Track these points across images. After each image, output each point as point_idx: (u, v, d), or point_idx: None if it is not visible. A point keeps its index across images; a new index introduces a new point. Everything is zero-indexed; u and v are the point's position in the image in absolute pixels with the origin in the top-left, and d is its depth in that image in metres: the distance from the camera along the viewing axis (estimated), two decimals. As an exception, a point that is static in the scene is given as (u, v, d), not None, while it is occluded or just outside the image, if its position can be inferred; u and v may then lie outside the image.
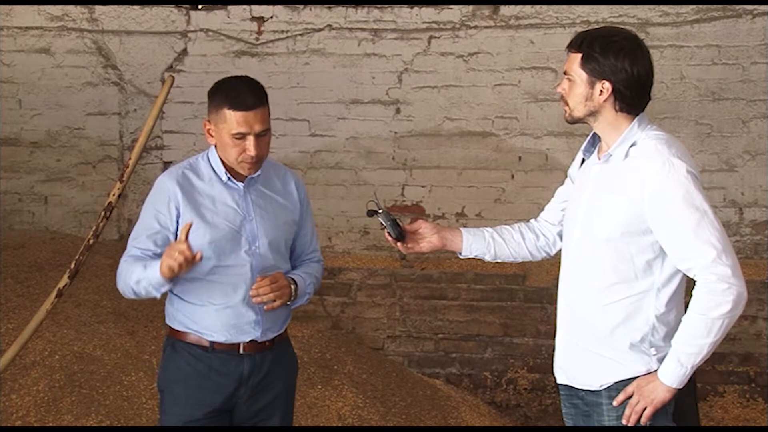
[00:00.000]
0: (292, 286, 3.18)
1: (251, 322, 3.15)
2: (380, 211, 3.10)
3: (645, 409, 2.79)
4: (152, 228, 3.13)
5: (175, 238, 3.11)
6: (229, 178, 3.17)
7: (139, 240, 3.14)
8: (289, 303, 3.20)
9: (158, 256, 3.08)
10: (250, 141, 3.07)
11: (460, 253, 3.20)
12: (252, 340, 3.17)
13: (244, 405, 3.18)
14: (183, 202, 3.12)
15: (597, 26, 3.24)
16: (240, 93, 3.09)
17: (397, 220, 3.12)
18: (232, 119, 3.06)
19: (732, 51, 5.91)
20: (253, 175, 3.19)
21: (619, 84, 2.81)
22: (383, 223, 3.10)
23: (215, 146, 3.19)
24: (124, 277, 3.12)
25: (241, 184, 3.18)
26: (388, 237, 3.12)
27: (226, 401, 3.15)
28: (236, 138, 3.07)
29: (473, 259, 3.26)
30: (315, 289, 3.31)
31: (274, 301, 3.12)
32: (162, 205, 3.13)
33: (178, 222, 3.12)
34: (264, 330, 3.18)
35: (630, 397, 2.82)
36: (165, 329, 3.27)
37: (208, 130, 3.15)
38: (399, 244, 3.13)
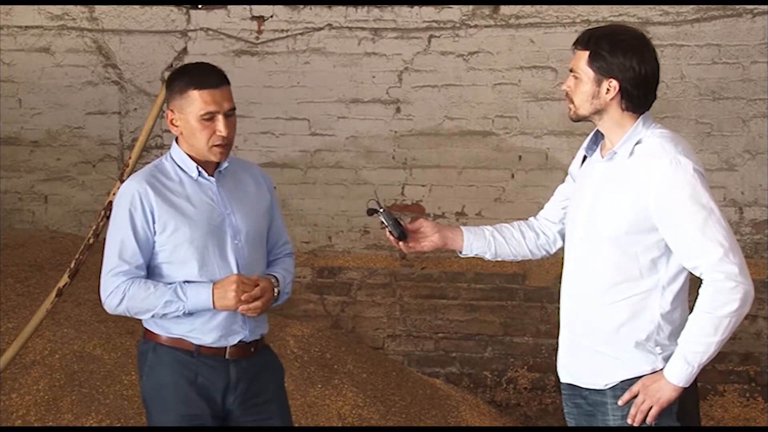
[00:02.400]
0: (276, 289, 3.14)
1: (239, 320, 3.09)
2: (381, 210, 3.08)
3: (651, 408, 2.78)
4: (132, 237, 3.02)
5: (153, 244, 3.04)
6: (199, 173, 3.09)
7: (124, 254, 3.03)
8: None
9: (143, 267, 3.04)
10: (220, 120, 3.01)
11: (461, 252, 3.19)
12: (239, 342, 3.11)
13: (239, 410, 3.12)
14: (156, 203, 3.02)
15: (597, 25, 3.23)
16: (204, 73, 3.06)
17: (399, 220, 3.11)
18: (200, 99, 3.00)
19: (732, 50, 5.90)
20: (221, 168, 3.13)
21: (627, 83, 2.80)
22: (385, 222, 3.08)
23: (176, 141, 3.12)
24: (140, 303, 3.02)
25: (212, 179, 3.11)
26: (389, 236, 3.11)
27: (217, 409, 3.09)
28: (205, 119, 3.00)
29: (473, 258, 3.25)
30: (291, 288, 3.26)
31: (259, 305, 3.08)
32: (135, 209, 3.02)
33: (154, 226, 3.03)
34: (252, 328, 3.13)
35: (635, 396, 2.81)
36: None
37: (172, 120, 3.07)
38: (401, 243, 3.11)
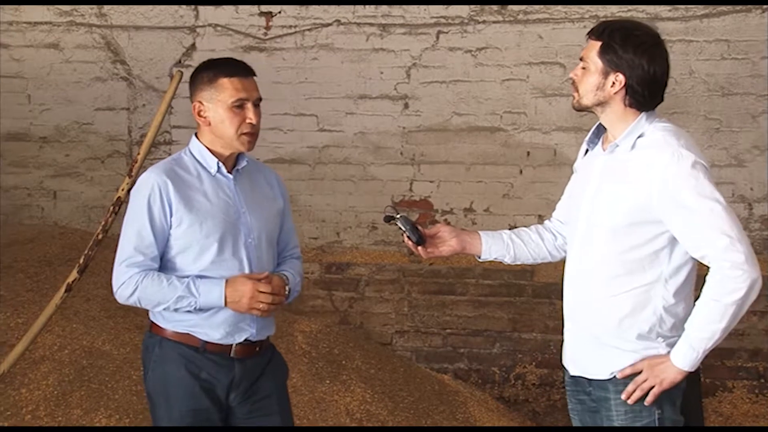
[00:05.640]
0: (287, 287, 3.16)
1: (246, 318, 3.11)
2: (399, 216, 3.09)
3: (651, 388, 2.79)
4: (149, 228, 3.04)
5: (168, 236, 3.06)
6: (218, 169, 3.11)
7: (139, 245, 3.04)
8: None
9: (157, 259, 3.07)
10: (250, 109, 3.06)
11: (480, 257, 3.19)
12: (245, 340, 3.12)
13: (239, 407, 3.14)
14: (175, 197, 3.04)
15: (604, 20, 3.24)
16: (233, 63, 3.12)
17: (416, 225, 3.11)
18: (231, 86, 3.04)
19: (741, 46, 5.89)
20: (239, 167, 3.16)
21: (633, 79, 2.81)
22: (402, 228, 3.08)
23: (196, 135, 3.14)
24: (152, 295, 3.03)
25: (230, 176, 3.14)
26: (408, 242, 3.11)
27: (220, 406, 3.11)
28: (235, 106, 3.04)
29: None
30: (301, 287, 3.29)
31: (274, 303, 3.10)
32: (154, 200, 3.04)
33: (171, 219, 3.05)
34: (259, 328, 3.15)
35: (638, 373, 2.81)
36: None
37: (199, 111, 3.09)
38: (419, 248, 3.12)
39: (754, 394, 5.77)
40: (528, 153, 6.12)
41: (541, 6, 6.04)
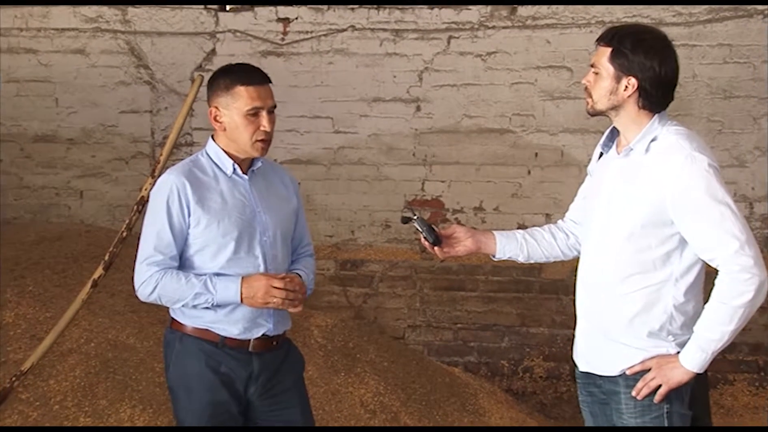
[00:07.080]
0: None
1: (263, 313, 3.15)
2: (415, 217, 3.11)
3: (659, 387, 2.82)
4: (167, 228, 3.07)
5: (187, 236, 3.10)
6: (234, 171, 3.14)
7: (159, 245, 3.08)
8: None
9: (176, 258, 3.11)
10: (264, 116, 3.08)
11: (494, 256, 3.21)
12: (263, 335, 3.16)
13: (258, 401, 3.18)
14: (193, 198, 3.07)
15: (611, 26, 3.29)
16: (250, 71, 3.14)
17: (432, 226, 3.14)
18: (246, 95, 3.06)
19: (743, 50, 5.91)
20: (254, 168, 3.19)
21: (646, 82, 2.81)
22: (419, 228, 3.09)
23: (213, 138, 3.17)
24: (171, 292, 3.08)
25: (245, 177, 3.17)
26: (424, 242, 3.12)
27: (239, 399, 3.15)
28: (250, 115, 3.07)
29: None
30: (314, 284, 3.32)
31: (293, 300, 3.13)
32: (173, 201, 3.07)
33: (189, 219, 3.09)
34: (275, 322, 3.18)
35: (647, 370, 2.84)
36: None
37: (215, 116, 3.11)
38: (436, 248, 3.13)
39: (754, 387, 5.81)
40: (536, 154, 6.16)
41: (549, 12, 6.06)
